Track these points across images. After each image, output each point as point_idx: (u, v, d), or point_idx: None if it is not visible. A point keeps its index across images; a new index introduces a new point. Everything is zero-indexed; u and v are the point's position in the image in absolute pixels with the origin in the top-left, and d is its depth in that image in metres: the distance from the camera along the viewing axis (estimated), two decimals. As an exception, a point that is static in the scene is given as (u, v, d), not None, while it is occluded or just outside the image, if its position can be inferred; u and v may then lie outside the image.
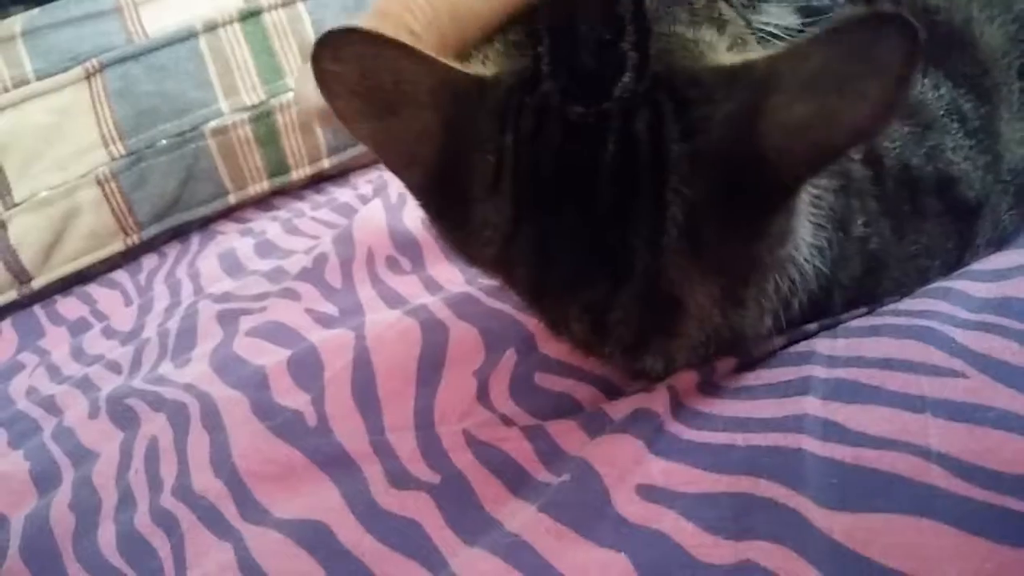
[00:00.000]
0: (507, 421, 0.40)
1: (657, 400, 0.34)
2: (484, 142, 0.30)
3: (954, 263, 0.40)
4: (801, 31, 0.37)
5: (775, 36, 0.34)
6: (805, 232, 0.34)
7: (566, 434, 0.37)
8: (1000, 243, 0.41)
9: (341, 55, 0.29)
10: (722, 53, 0.30)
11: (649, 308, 0.32)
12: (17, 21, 0.86)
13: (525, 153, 0.29)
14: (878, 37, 0.25)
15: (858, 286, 0.37)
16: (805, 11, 0.41)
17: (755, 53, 0.30)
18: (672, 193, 0.29)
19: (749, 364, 0.36)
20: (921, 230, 0.38)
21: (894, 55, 0.25)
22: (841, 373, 0.31)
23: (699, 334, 0.33)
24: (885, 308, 0.37)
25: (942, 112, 0.40)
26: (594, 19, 0.30)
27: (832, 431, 0.29)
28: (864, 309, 0.38)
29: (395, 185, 0.67)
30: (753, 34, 0.32)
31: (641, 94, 0.29)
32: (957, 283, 0.36)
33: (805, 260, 0.34)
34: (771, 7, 0.41)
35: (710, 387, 0.35)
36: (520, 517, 0.32)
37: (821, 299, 0.36)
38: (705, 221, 0.29)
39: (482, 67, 0.31)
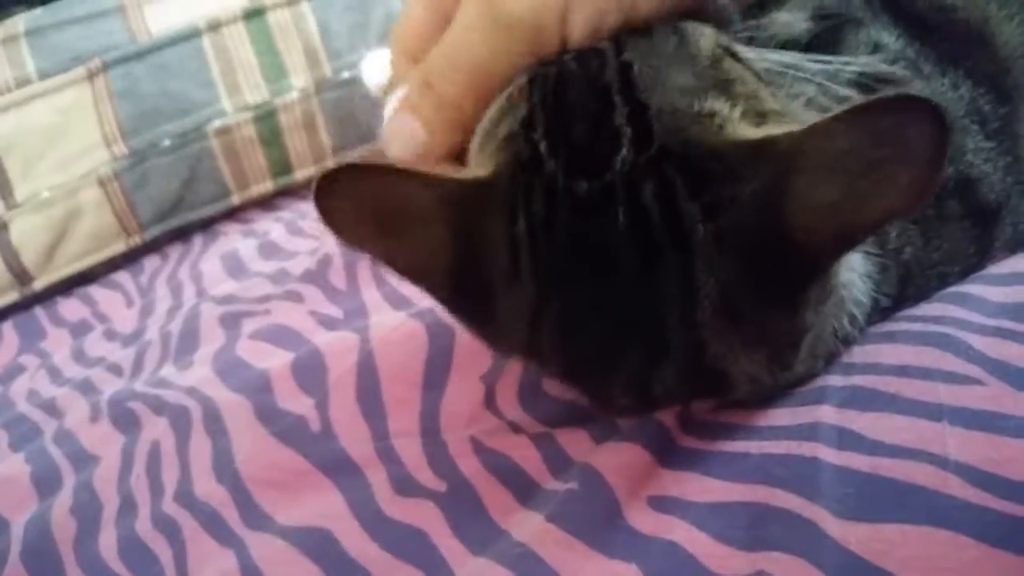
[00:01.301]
0: (515, 428, 0.39)
1: (667, 412, 0.34)
2: (497, 237, 0.30)
3: (975, 267, 0.39)
4: (810, 43, 0.38)
5: (788, 69, 0.33)
6: (857, 265, 0.33)
7: (575, 443, 0.36)
8: (1017, 245, 0.40)
9: (341, 191, 0.30)
10: (739, 125, 0.29)
11: (694, 379, 0.31)
12: (20, 21, 0.86)
13: (539, 236, 0.29)
14: (906, 122, 0.25)
15: (895, 300, 0.37)
16: (818, 15, 0.41)
17: (775, 124, 0.29)
18: (703, 274, 0.28)
19: None
20: (943, 235, 0.38)
21: (924, 141, 0.25)
22: (857, 380, 0.31)
23: (750, 393, 0.32)
24: (900, 314, 0.36)
25: (962, 113, 0.39)
26: (581, 93, 0.30)
27: (848, 439, 0.28)
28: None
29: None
30: (767, 85, 0.32)
31: (643, 166, 0.28)
32: (973, 287, 0.35)
33: (860, 294, 0.33)
34: (781, 14, 0.40)
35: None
36: (528, 527, 0.31)
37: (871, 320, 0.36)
38: (740, 297, 0.29)
39: (479, 168, 0.31)
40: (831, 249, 0.29)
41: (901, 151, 0.25)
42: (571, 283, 0.30)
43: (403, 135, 0.33)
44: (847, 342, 0.34)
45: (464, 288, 0.32)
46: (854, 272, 0.33)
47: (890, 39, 0.41)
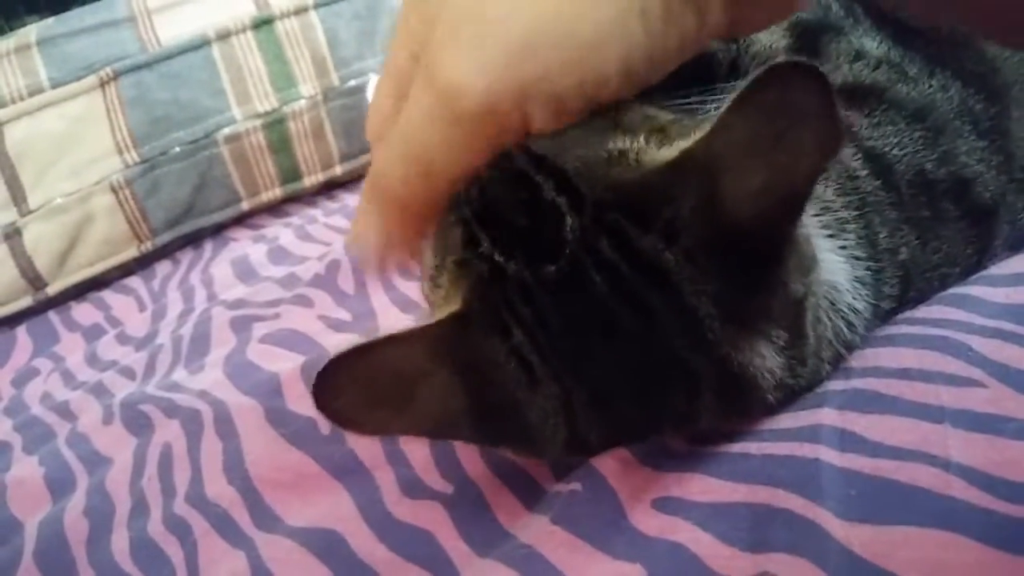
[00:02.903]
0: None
1: None
2: (499, 358, 0.30)
3: (975, 268, 0.39)
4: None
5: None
6: (836, 268, 0.33)
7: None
8: (1017, 243, 0.40)
9: (337, 389, 0.30)
10: (651, 151, 0.30)
11: (731, 395, 0.31)
12: (32, 30, 0.87)
13: (539, 335, 0.29)
14: (786, 89, 0.26)
15: (896, 303, 0.37)
16: (796, 30, 0.41)
17: (679, 137, 0.29)
18: (692, 296, 0.29)
19: None
20: (941, 236, 0.38)
21: (809, 98, 0.26)
22: (858, 383, 0.31)
23: (778, 400, 0.32)
24: (900, 316, 0.36)
25: (953, 115, 0.39)
26: (505, 189, 0.30)
27: (849, 441, 0.28)
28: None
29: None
30: (661, 108, 0.32)
31: (590, 226, 0.29)
32: (974, 289, 0.35)
33: (854, 299, 0.34)
34: (761, 35, 0.41)
35: None
36: (533, 528, 0.31)
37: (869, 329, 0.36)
38: (733, 297, 0.29)
39: (448, 304, 0.31)
40: (783, 220, 0.29)
41: (794, 115, 0.26)
42: (585, 362, 0.30)
43: (359, 241, 0.33)
44: (849, 347, 0.34)
45: (487, 420, 0.32)
46: (839, 276, 0.33)
47: (872, 45, 0.41)
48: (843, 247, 0.34)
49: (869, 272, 0.35)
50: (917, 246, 0.37)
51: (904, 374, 0.31)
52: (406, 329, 0.30)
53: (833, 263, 0.33)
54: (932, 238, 0.38)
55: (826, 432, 0.29)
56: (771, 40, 0.41)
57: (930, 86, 0.40)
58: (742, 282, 0.29)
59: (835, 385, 0.32)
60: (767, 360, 0.30)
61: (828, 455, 0.28)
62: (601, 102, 0.31)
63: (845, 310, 0.33)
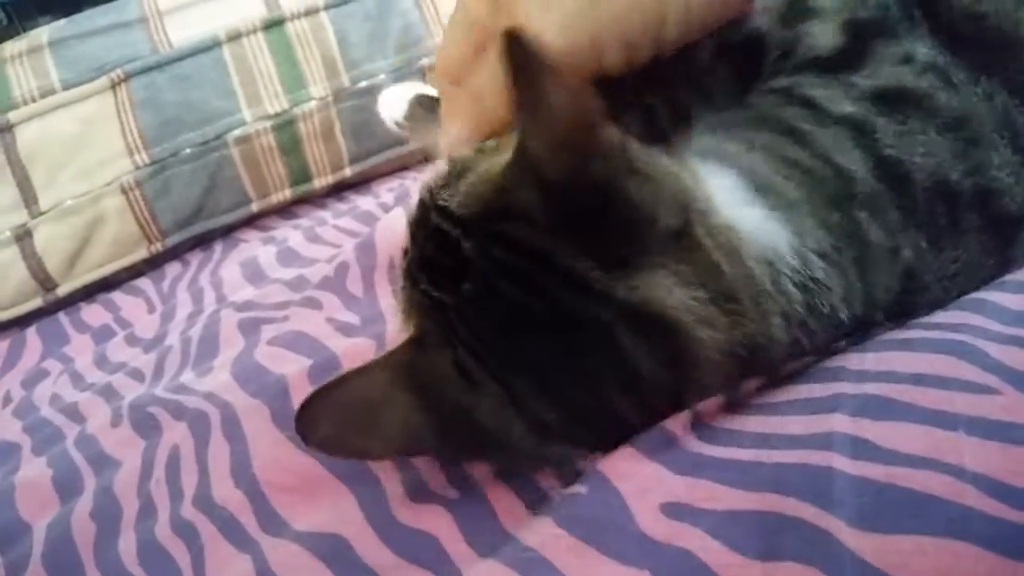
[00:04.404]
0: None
1: (676, 421, 0.34)
2: (447, 370, 0.34)
3: (993, 277, 0.38)
4: (832, 59, 0.41)
5: None
6: (776, 233, 0.35)
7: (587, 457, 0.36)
8: None
9: (317, 421, 0.34)
10: (497, 156, 0.35)
11: (655, 341, 0.32)
12: (44, 32, 0.88)
13: (474, 344, 0.34)
14: (524, 72, 0.31)
15: (896, 307, 0.37)
16: (851, 29, 0.41)
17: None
18: (569, 259, 0.32)
19: (777, 382, 0.35)
20: (960, 245, 0.38)
21: (537, 71, 0.30)
22: (871, 389, 0.31)
23: (711, 340, 0.33)
24: (916, 321, 0.36)
25: (992, 127, 0.39)
26: (423, 232, 0.36)
27: (863, 449, 0.28)
28: (892, 324, 0.37)
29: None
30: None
31: (479, 241, 0.33)
32: (991, 294, 0.35)
33: (804, 267, 0.35)
34: (814, 25, 0.40)
35: (735, 405, 0.34)
36: (538, 531, 0.31)
37: (860, 315, 0.36)
38: (600, 246, 0.32)
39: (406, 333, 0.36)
40: (583, 167, 0.32)
41: (539, 87, 0.30)
42: (517, 354, 0.33)
43: (453, 134, 0.39)
44: (813, 310, 0.35)
45: (448, 433, 0.35)
46: (775, 239, 0.35)
47: (923, 50, 0.41)
48: (780, 218, 0.36)
49: (838, 253, 0.35)
50: (929, 251, 0.37)
51: (918, 380, 0.30)
52: (370, 360, 0.36)
53: (760, 227, 0.35)
54: (949, 246, 0.37)
55: (839, 439, 0.29)
56: (824, 38, 0.41)
57: (975, 94, 0.39)
58: (603, 230, 0.32)
59: (847, 389, 0.31)
60: (671, 292, 0.32)
61: (841, 463, 0.28)
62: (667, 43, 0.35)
63: (788, 272, 0.34)
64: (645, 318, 0.32)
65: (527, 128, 0.32)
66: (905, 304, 0.37)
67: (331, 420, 0.34)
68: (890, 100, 0.39)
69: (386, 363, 0.35)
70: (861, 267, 0.36)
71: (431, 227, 0.35)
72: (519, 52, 0.31)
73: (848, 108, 0.39)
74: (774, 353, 0.34)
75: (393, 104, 0.69)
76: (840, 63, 0.41)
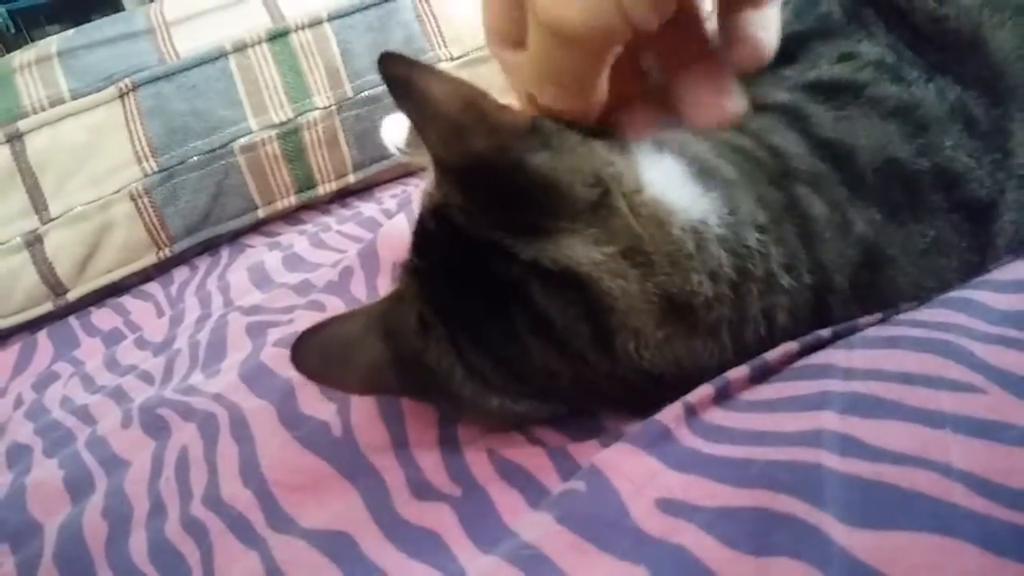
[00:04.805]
0: (531, 438, 0.40)
1: (669, 414, 0.34)
2: (410, 320, 0.39)
3: (976, 265, 0.39)
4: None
5: None
6: (705, 203, 0.37)
7: (588, 455, 0.37)
8: (1021, 247, 0.40)
9: (306, 353, 0.39)
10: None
11: (569, 298, 0.35)
12: (53, 42, 0.89)
13: (434, 300, 0.39)
14: (389, 77, 0.37)
15: (861, 280, 0.38)
16: (787, 36, 0.42)
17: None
18: (483, 230, 0.36)
19: (765, 375, 0.36)
20: (925, 222, 0.38)
21: (403, 75, 0.36)
22: (859, 387, 0.31)
23: (623, 291, 0.35)
24: (903, 318, 0.36)
25: (943, 114, 0.40)
26: (422, 222, 0.40)
27: (851, 446, 0.29)
28: (880, 315, 0.37)
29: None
30: None
31: (440, 224, 0.39)
32: (977, 293, 0.35)
33: (736, 235, 0.36)
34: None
35: (726, 400, 0.35)
36: (537, 529, 0.32)
37: (812, 283, 0.37)
38: (512, 217, 0.36)
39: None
40: (469, 147, 0.36)
41: (410, 87, 0.36)
42: (459, 313, 0.38)
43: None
44: (745, 274, 0.36)
45: (404, 371, 0.40)
46: (703, 207, 0.36)
47: (868, 48, 0.42)
48: (714, 196, 0.37)
49: (776, 225, 0.37)
50: (887, 224, 0.38)
51: (906, 379, 0.31)
52: (359, 309, 0.42)
53: (692, 203, 0.37)
54: (911, 220, 0.38)
55: (828, 437, 0.29)
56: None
57: (925, 88, 0.41)
58: (515, 203, 0.36)
59: (836, 387, 0.32)
60: (579, 250, 0.35)
61: (830, 460, 0.28)
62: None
63: (715, 239, 0.36)
64: (554, 275, 0.35)
65: (420, 129, 0.37)
66: (876, 279, 0.38)
67: (317, 354, 0.40)
68: (824, 90, 0.41)
69: (367, 310, 0.41)
70: (805, 238, 0.37)
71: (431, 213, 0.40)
72: (392, 65, 0.36)
73: (781, 97, 0.42)
74: (708, 311, 0.35)
75: (395, 131, 0.71)
76: (774, 62, 0.42)
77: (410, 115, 0.38)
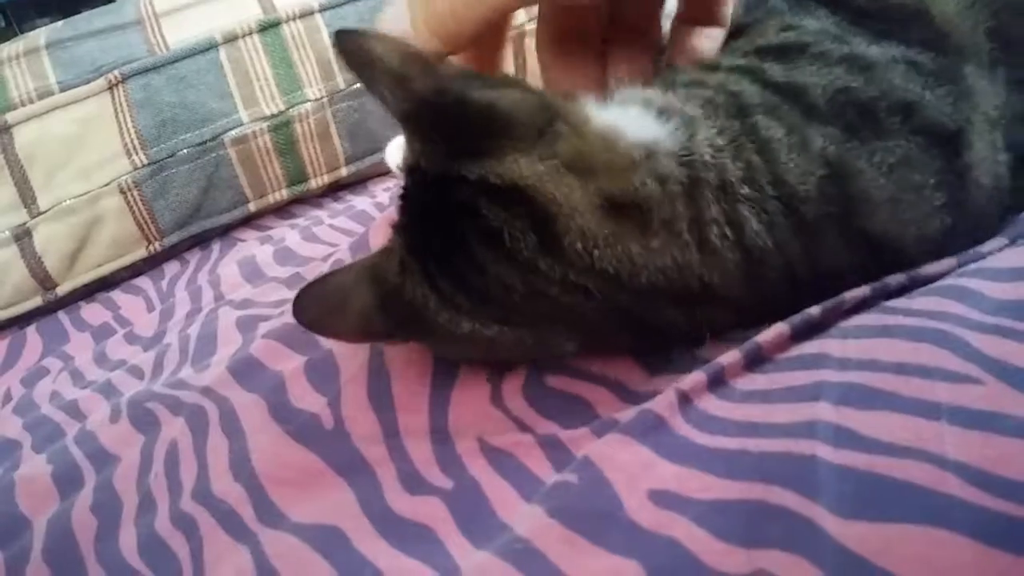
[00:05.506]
0: (521, 425, 0.40)
1: (662, 403, 0.34)
2: (393, 265, 0.41)
3: (953, 192, 0.39)
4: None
5: None
6: (658, 129, 0.39)
7: (579, 441, 0.37)
8: (1017, 237, 0.40)
9: (307, 305, 0.43)
10: None
11: (524, 222, 0.37)
12: (41, 34, 0.88)
13: (412, 245, 0.40)
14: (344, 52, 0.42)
15: (830, 191, 0.38)
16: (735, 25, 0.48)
17: None
18: (444, 161, 0.39)
19: (758, 361, 0.36)
20: (889, 140, 0.39)
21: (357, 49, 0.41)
22: (854, 377, 0.31)
23: (573, 208, 0.36)
24: (897, 306, 0.36)
25: (886, 61, 0.41)
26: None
27: (845, 438, 0.29)
28: (867, 289, 0.38)
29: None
30: None
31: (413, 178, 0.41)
32: (972, 282, 0.35)
33: (679, 144, 0.38)
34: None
35: (720, 387, 0.35)
36: (530, 522, 0.32)
37: (777, 195, 0.38)
38: (461, 145, 0.38)
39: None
40: (424, 78, 0.40)
41: (366, 53, 0.41)
42: (428, 249, 0.40)
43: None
44: (698, 183, 0.38)
45: (388, 311, 0.41)
46: (655, 133, 0.39)
47: (811, 22, 0.45)
48: (671, 126, 0.39)
49: (733, 146, 0.39)
50: (847, 139, 0.39)
51: (901, 369, 0.31)
52: (357, 263, 0.44)
53: (645, 129, 0.39)
54: (872, 137, 0.39)
55: (822, 428, 0.29)
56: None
57: (869, 47, 0.42)
58: (463, 135, 0.38)
59: (831, 377, 0.32)
60: (523, 165, 0.37)
61: (824, 451, 0.28)
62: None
63: (665, 152, 0.38)
64: (501, 189, 0.37)
65: (373, 91, 0.41)
66: (846, 190, 0.38)
67: (316, 305, 0.43)
68: (773, 51, 0.43)
69: (360, 263, 0.44)
70: (764, 155, 0.38)
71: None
72: (345, 41, 0.41)
73: (736, 61, 0.44)
74: (659, 208, 0.37)
75: (398, 152, 0.72)
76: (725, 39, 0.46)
77: (363, 80, 0.42)
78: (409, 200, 0.42)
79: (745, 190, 0.38)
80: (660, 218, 0.37)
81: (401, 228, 0.42)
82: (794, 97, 0.40)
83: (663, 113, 0.40)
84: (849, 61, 0.41)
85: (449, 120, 0.39)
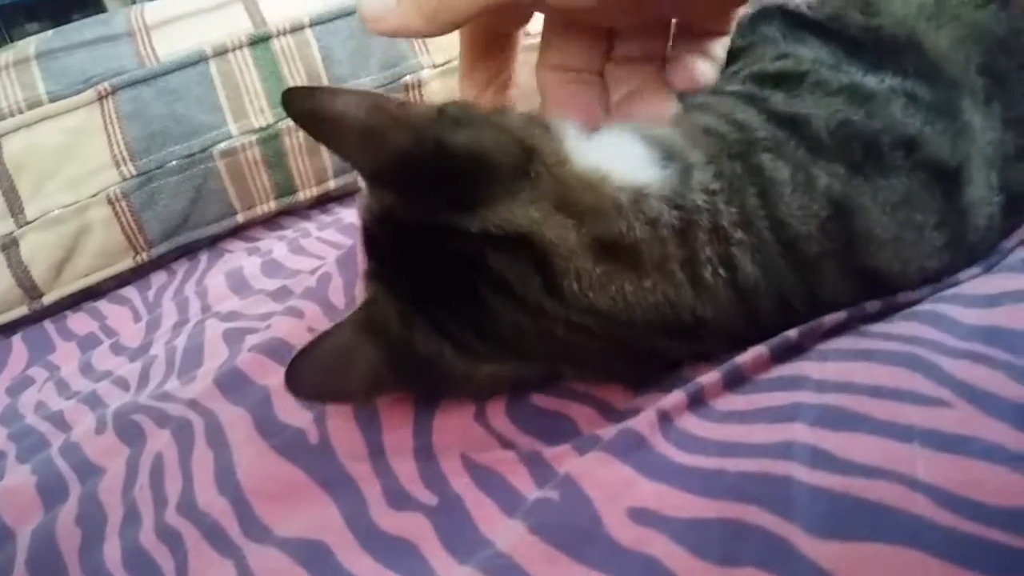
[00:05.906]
0: (504, 442, 0.40)
1: (643, 421, 0.35)
2: (393, 317, 0.41)
3: (953, 232, 0.40)
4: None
5: None
6: (652, 173, 0.39)
7: (561, 459, 0.37)
8: (990, 265, 0.41)
9: (299, 378, 0.41)
10: None
11: (526, 265, 0.37)
12: (31, 43, 0.88)
13: (408, 295, 0.40)
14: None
15: (833, 230, 0.39)
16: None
17: None
18: (443, 210, 0.38)
19: (738, 381, 0.36)
20: (892, 177, 0.39)
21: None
22: (830, 399, 0.32)
23: (569, 250, 0.37)
24: (874, 330, 0.37)
25: (884, 91, 0.41)
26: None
27: (821, 459, 0.29)
28: (844, 314, 0.38)
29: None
30: None
31: (390, 230, 0.42)
32: (946, 307, 0.36)
33: (670, 188, 0.38)
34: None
35: (700, 407, 0.35)
36: (511, 538, 0.32)
37: (775, 240, 0.38)
38: (464, 185, 0.38)
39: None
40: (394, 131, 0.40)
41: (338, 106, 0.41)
42: (432, 293, 0.40)
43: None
44: (686, 212, 0.38)
45: (399, 367, 0.41)
46: (646, 175, 0.39)
47: (806, 52, 0.45)
48: (668, 169, 0.39)
49: (729, 188, 0.39)
50: (852, 176, 0.39)
51: (876, 392, 0.31)
52: (345, 320, 0.42)
53: (631, 167, 0.39)
54: (878, 176, 0.39)
55: (798, 449, 0.30)
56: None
57: (864, 76, 0.42)
58: (448, 183, 0.38)
59: (809, 398, 0.32)
60: (522, 211, 0.37)
61: (800, 472, 0.29)
62: None
63: (656, 195, 0.38)
64: (503, 238, 0.37)
65: (338, 151, 0.41)
66: (849, 229, 0.39)
67: (313, 373, 0.41)
68: (771, 78, 0.43)
69: (350, 321, 0.42)
70: (765, 199, 0.39)
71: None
72: (295, 102, 0.40)
73: (735, 87, 0.44)
74: (650, 250, 0.37)
75: None
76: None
77: (323, 140, 0.42)
78: (383, 249, 0.41)
79: (739, 234, 0.38)
80: (652, 259, 0.37)
81: (379, 277, 0.42)
82: (798, 130, 0.40)
83: (656, 151, 0.40)
84: (849, 91, 0.41)
85: (431, 172, 0.39)
